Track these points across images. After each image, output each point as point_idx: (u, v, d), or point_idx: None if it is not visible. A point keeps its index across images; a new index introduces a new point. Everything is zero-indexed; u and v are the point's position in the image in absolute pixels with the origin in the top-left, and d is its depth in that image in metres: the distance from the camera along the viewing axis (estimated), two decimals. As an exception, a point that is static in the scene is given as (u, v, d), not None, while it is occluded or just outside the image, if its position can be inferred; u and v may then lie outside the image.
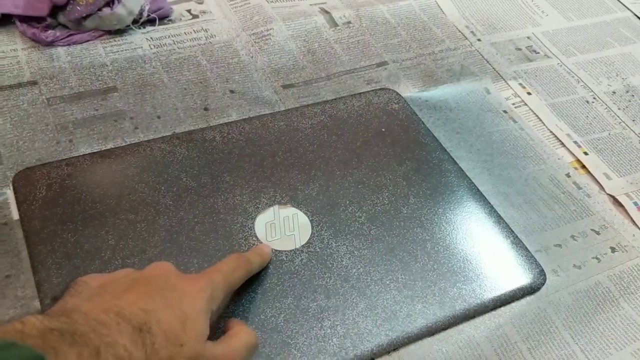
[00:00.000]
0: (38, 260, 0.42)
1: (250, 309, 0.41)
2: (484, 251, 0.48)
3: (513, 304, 0.46)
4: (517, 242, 0.49)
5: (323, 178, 0.51)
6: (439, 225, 0.49)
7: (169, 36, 0.64)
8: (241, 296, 0.42)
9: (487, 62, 0.69)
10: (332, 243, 0.46)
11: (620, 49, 0.74)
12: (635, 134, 0.64)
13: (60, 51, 0.59)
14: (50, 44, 0.59)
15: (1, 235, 0.44)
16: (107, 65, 0.59)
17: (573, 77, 0.69)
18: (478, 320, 0.45)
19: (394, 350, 0.42)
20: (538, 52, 0.72)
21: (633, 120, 0.65)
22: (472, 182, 0.53)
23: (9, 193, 0.46)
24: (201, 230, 0.45)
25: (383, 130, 0.56)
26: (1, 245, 0.43)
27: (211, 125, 0.55)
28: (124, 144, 0.52)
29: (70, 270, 0.41)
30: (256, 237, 0.45)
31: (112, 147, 0.51)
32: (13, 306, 0.40)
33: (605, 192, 0.57)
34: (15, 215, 0.45)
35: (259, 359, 0.39)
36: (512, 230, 0.50)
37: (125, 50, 0.61)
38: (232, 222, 0.46)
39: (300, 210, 0.48)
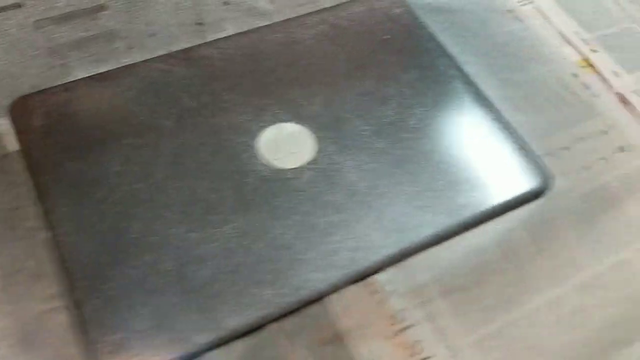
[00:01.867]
0: (44, 190, 0.42)
1: (259, 228, 0.42)
2: (491, 158, 0.47)
3: (520, 209, 0.46)
4: (525, 147, 0.49)
5: (327, 92, 0.49)
6: (444, 134, 0.48)
7: (155, -54, 0.60)
8: (248, 216, 0.42)
9: (492, -43, 0.66)
10: (338, 158, 0.46)
11: (632, -64, 0.70)
12: (646, 27, 0.61)
13: (44, -31, 0.56)
14: (32, -39, 0.56)
15: (4, 167, 0.44)
16: (94, -18, 0.56)
17: (582, -31, 0.66)
18: (486, 226, 0.45)
19: (403, 260, 0.43)
20: (545, -56, 0.68)
21: (644, 13, 0.63)
22: (478, 88, 0.52)
23: (5, 124, 0.46)
24: (205, 151, 0.45)
25: (386, 38, 0.54)
26: (5, 177, 0.43)
27: (207, 41, 0.53)
28: (119, 66, 0.50)
29: (77, 198, 0.41)
30: (260, 155, 0.45)
31: (108, 69, 0.50)
32: (23, 237, 0.41)
33: (613, 90, 0.56)
34: (14, 146, 0.44)
35: (272, 276, 0.40)
36: (519, 135, 0.49)
37: (112, -36, 0.58)
38: (236, 141, 0.46)
39: (305, 126, 0.47)
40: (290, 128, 0.47)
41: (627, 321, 0.42)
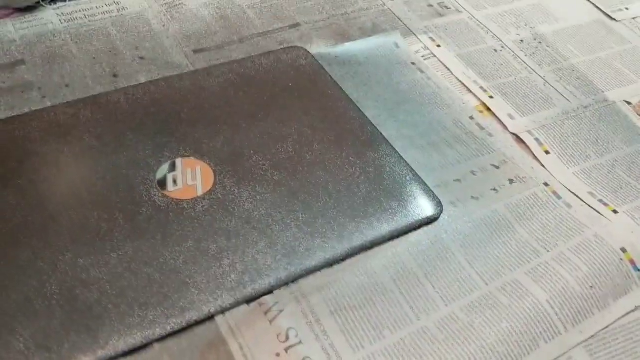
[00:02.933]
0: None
1: (149, 254, 0.43)
2: (383, 188, 0.50)
3: (410, 234, 0.48)
4: (417, 179, 0.51)
5: (228, 131, 0.52)
6: (341, 168, 0.51)
7: (80, 10, 0.65)
8: (139, 243, 0.43)
9: (399, 19, 0.71)
10: (234, 189, 0.48)
11: (529, 1, 0.76)
12: (541, 77, 0.66)
13: (-33, 29, 0.60)
14: (-43, 22, 0.60)
15: None
16: (15, 41, 0.60)
17: (483, 28, 0.72)
18: (376, 250, 0.46)
19: (293, 282, 0.44)
20: (449, 8, 0.74)
21: (539, 65, 0.67)
22: (376, 128, 0.55)
23: None
24: (102, 185, 0.46)
25: (290, 85, 0.58)
26: None
27: (117, 89, 0.56)
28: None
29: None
30: (157, 187, 0.47)
31: (17, 114, 0.52)
32: None
33: (508, 131, 0.59)
34: None
35: (158, 299, 0.41)
36: (412, 169, 0.52)
37: (36, 26, 0.62)
38: (134, 175, 0.47)
39: (204, 161, 0.49)
40: (190, 163, 0.49)
41: (518, 335, 0.43)
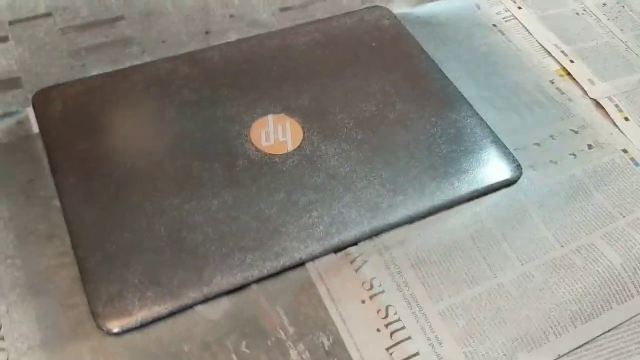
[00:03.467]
0: (57, 165, 0.47)
1: (246, 202, 0.46)
2: (464, 149, 0.52)
3: (489, 195, 0.50)
4: (496, 141, 0.53)
5: (315, 89, 0.54)
6: (422, 128, 0.53)
7: (171, -33, 0.67)
8: (237, 192, 0.47)
9: (481, -21, 0.71)
10: (321, 146, 0.50)
11: (615, -39, 0.75)
12: (622, 42, 0.65)
13: (71, -16, 0.64)
14: (61, -22, 0.63)
15: (24, 146, 0.49)
16: (114, -4, 0.63)
17: (565, -10, 0.71)
18: (455, 209, 0.49)
19: (376, 236, 0.47)
20: (532, -32, 0.73)
21: (621, 30, 0.67)
22: (457, 88, 0.56)
23: (30, 111, 0.51)
24: (201, 137, 0.50)
25: (374, 44, 0.59)
26: (24, 154, 0.49)
27: (210, 46, 0.59)
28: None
29: (84, 172, 0.47)
30: (251, 142, 0.50)
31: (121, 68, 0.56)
32: (37, 204, 0.46)
33: (588, 96, 0.59)
34: (35, 129, 0.50)
35: (255, 243, 0.44)
36: (492, 130, 0.53)
37: (131, -19, 0.65)
38: (229, 129, 0.51)
39: (293, 117, 0.52)
40: (280, 119, 0.52)
41: (591, 296, 0.45)
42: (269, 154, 0.49)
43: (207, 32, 0.61)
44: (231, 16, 0.63)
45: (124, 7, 0.62)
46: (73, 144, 0.48)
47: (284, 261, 0.44)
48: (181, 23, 0.62)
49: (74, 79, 0.54)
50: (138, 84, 0.53)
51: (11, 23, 0.59)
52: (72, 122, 0.50)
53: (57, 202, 0.46)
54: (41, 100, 0.51)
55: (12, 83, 0.55)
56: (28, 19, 0.60)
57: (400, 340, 0.42)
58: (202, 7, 0.63)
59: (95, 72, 0.56)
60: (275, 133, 0.51)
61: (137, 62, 0.57)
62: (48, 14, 0.61)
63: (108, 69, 0.56)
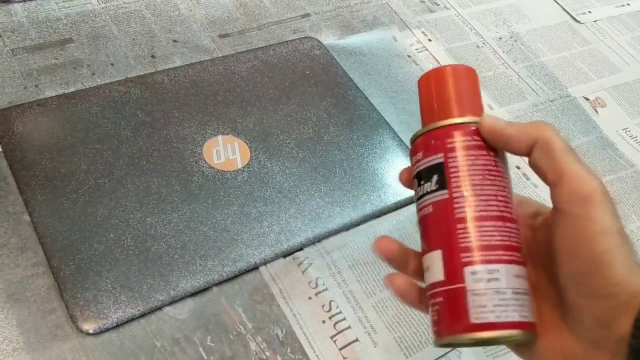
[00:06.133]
0: (23, 183, 0.51)
1: (203, 215, 0.52)
2: (388, 166, 0.60)
3: (411, 205, 0.58)
4: (415, 159, 0.61)
5: (258, 112, 0.61)
6: (352, 148, 0.61)
7: (114, -8, 0.72)
8: (195, 206, 0.52)
9: (396, 13, 0.80)
10: (267, 164, 0.57)
11: (507, 1, 0.87)
12: (515, 72, 0.77)
13: (17, 7, 0.66)
14: (7, 1, 0.66)
15: (-11, 165, 0.52)
16: (61, 19, 0.67)
17: (467, 25, 0.82)
18: (383, 218, 0.57)
19: (318, 242, 0.54)
20: (439, 4, 0.84)
21: (514, 61, 0.78)
22: (380, 114, 0.65)
23: (-11, 130, 0.54)
24: (158, 155, 0.55)
25: (307, 73, 0.67)
26: (-9, 172, 0.52)
27: (159, 70, 0.64)
28: (84, 88, 0.60)
29: (51, 189, 0.50)
30: (204, 160, 0.56)
31: (75, 90, 0.59)
32: (6, 220, 0.49)
33: (488, 119, 0.70)
34: (-1, 148, 0.53)
35: (214, 251, 0.50)
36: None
37: (76, 5, 0.69)
38: (183, 149, 0.56)
39: (240, 138, 0.58)
40: (229, 139, 0.58)
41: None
42: (221, 170, 0.55)
43: (152, 56, 0.66)
44: (174, 41, 0.68)
45: (72, 30, 0.66)
46: (37, 162, 0.52)
47: (241, 266, 0.50)
48: (127, 47, 0.66)
49: (32, 100, 0.57)
50: (94, 106, 0.57)
51: (-40, 43, 0.62)
52: (34, 142, 0.53)
53: (26, 217, 0.49)
54: (1, 121, 0.54)
55: (-33, 103, 0.57)
56: (-24, 40, 0.62)
57: (342, 330, 0.49)
58: (147, 32, 0.68)
59: (49, 93, 0.59)
60: (226, 152, 0.57)
61: (89, 83, 0.61)
62: (-4, 35, 0.63)
63: (61, 90, 0.60)
